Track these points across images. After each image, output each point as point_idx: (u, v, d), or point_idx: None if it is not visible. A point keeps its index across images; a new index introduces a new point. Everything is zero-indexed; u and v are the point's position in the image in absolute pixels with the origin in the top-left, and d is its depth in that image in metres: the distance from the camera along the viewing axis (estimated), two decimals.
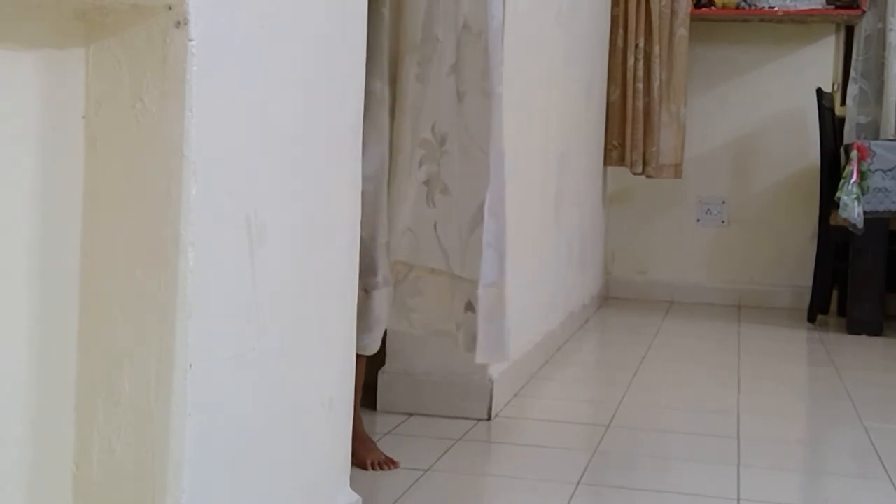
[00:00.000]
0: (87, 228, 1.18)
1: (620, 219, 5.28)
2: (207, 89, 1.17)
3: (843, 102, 5.08)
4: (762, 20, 5.08)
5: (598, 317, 4.67)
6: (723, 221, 5.23)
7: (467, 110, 2.12)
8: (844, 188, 4.22)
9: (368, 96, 2.02)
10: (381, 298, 2.11)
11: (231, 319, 1.27)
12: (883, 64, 4.95)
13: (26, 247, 1.13)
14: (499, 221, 2.13)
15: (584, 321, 4.38)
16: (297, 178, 1.45)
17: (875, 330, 4.35)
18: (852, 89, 5.02)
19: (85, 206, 1.18)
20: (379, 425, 2.57)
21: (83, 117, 1.18)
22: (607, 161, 4.91)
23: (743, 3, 5.02)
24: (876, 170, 4.26)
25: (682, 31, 4.86)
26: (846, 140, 4.88)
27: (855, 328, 4.37)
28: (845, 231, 4.30)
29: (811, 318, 4.65)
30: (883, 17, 4.95)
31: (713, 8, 5.05)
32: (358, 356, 1.94)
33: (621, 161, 4.90)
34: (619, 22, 4.84)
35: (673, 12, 4.85)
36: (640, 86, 4.83)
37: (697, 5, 5.01)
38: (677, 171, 4.94)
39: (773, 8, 4.98)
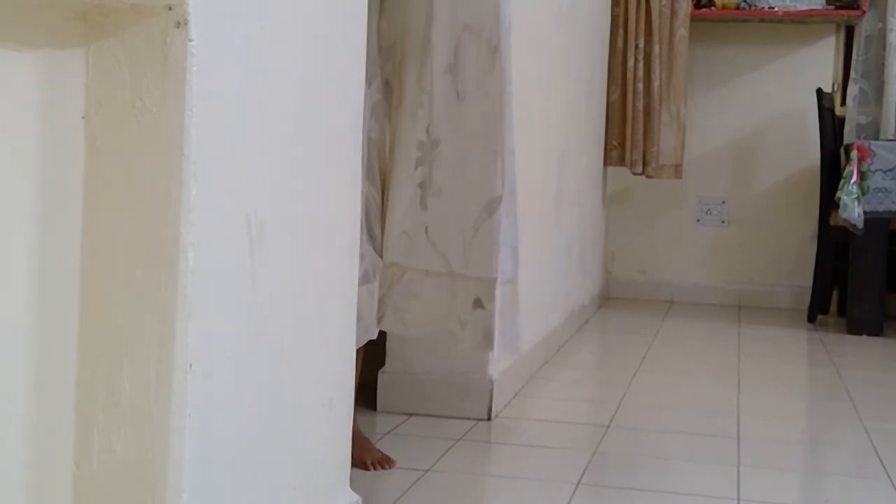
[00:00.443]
0: (87, 228, 1.18)
1: (620, 219, 5.28)
2: (207, 89, 1.17)
3: (843, 103, 5.09)
4: (762, 20, 5.08)
5: (598, 317, 4.67)
6: (723, 222, 5.23)
7: (468, 110, 2.13)
8: (844, 188, 4.23)
9: None
10: (362, 295, 2.10)
11: (231, 319, 1.27)
12: (883, 64, 4.95)
13: (26, 247, 1.13)
14: (511, 219, 2.15)
15: (584, 321, 4.38)
16: (297, 178, 1.45)
17: (875, 330, 4.35)
18: (852, 89, 5.02)
19: (85, 206, 1.18)
20: (379, 425, 2.57)
21: (83, 117, 1.18)
22: (607, 161, 4.91)
23: (743, 4, 5.02)
24: (876, 170, 4.26)
25: (682, 32, 4.86)
26: (846, 140, 4.88)
27: (855, 328, 4.37)
28: (845, 231, 4.30)
29: (811, 319, 4.65)
30: (883, 18, 4.95)
31: (713, 8, 5.05)
32: None
33: (621, 161, 4.90)
34: (619, 22, 4.84)
35: (673, 12, 4.85)
36: (640, 86, 4.83)
37: (697, 5, 5.01)
38: (677, 171, 4.95)
39: (773, 8, 4.98)
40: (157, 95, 1.15)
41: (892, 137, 4.82)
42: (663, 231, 5.26)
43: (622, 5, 4.82)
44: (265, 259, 1.33)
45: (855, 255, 4.38)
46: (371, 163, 2.14)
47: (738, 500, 2.14)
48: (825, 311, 4.74)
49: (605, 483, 2.26)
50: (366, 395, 2.60)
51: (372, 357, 2.33)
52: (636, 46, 4.83)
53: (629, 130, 4.84)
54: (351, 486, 1.73)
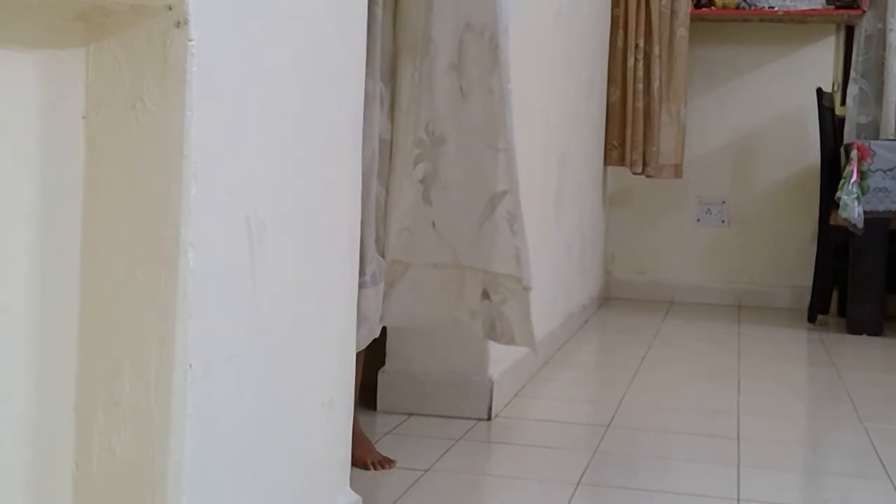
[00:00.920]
0: (87, 228, 1.18)
1: (620, 219, 5.28)
2: (207, 89, 1.17)
3: (843, 102, 5.08)
4: (762, 20, 5.08)
5: (598, 317, 4.67)
6: (723, 221, 5.23)
7: (472, 107, 2.15)
8: (844, 188, 4.23)
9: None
10: (369, 297, 2.11)
11: (231, 319, 1.27)
12: (883, 64, 4.95)
13: (26, 247, 1.13)
14: (518, 216, 2.18)
15: (583, 321, 4.38)
16: (297, 178, 1.45)
17: (875, 330, 4.35)
18: (852, 89, 5.02)
19: (85, 206, 1.18)
20: (379, 425, 2.57)
21: (83, 117, 1.18)
22: (607, 161, 4.91)
23: (743, 3, 5.02)
24: (876, 170, 4.26)
25: (682, 32, 4.86)
26: (846, 140, 4.88)
27: (855, 328, 4.37)
28: (845, 231, 4.30)
29: (811, 319, 4.65)
30: (883, 18, 4.95)
31: (713, 8, 5.05)
32: None
33: (621, 161, 4.90)
34: (619, 22, 4.84)
35: (673, 12, 4.85)
36: (640, 86, 4.83)
37: (697, 5, 5.01)
38: (677, 171, 4.95)
39: (773, 8, 4.98)
40: (157, 95, 1.15)
41: (892, 137, 4.82)
42: (663, 231, 5.26)
43: (622, 5, 4.82)
44: (265, 259, 1.33)
45: (855, 255, 4.38)
46: (383, 164, 2.15)
47: (738, 500, 2.13)
48: (825, 312, 4.74)
49: (605, 483, 2.26)
50: (366, 395, 2.60)
51: (372, 357, 2.33)
52: (636, 46, 4.83)
53: (629, 130, 4.84)
54: (351, 485, 1.73)
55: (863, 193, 4.23)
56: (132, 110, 1.16)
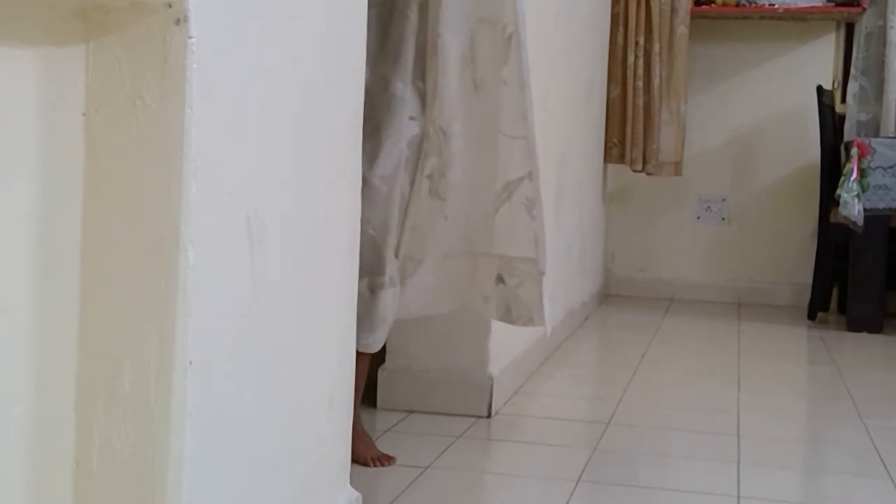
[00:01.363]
0: (87, 228, 1.17)
1: (620, 216, 5.28)
2: (207, 88, 1.17)
3: (844, 100, 5.08)
4: (762, 17, 5.07)
5: (598, 314, 4.67)
6: (723, 219, 5.23)
7: (485, 98, 2.19)
8: (845, 185, 4.22)
9: (390, 98, 2.08)
10: (387, 298, 2.12)
11: (231, 319, 1.27)
12: (883, 61, 4.95)
13: (26, 246, 1.13)
14: (537, 202, 2.23)
15: (583, 319, 4.38)
16: (297, 178, 1.44)
17: (875, 328, 4.35)
18: (852, 87, 5.02)
19: (85, 205, 1.18)
20: (379, 422, 2.57)
21: (83, 116, 1.17)
22: (607, 159, 4.91)
23: (743, 1, 5.02)
24: (876, 167, 4.26)
25: (682, 29, 4.85)
26: (846, 137, 4.88)
27: (855, 326, 4.37)
28: (845, 229, 4.29)
29: (811, 316, 4.65)
30: (883, 15, 4.95)
31: (713, 5, 5.05)
32: (360, 354, 1.96)
33: (621, 159, 4.90)
34: (619, 20, 4.83)
35: (673, 10, 4.84)
36: (641, 83, 4.83)
37: (697, 3, 5.01)
38: (677, 168, 4.94)
39: (774, 5, 4.98)
40: (157, 94, 1.14)
41: (892, 135, 4.82)
42: (663, 229, 5.26)
43: (622, 3, 4.82)
44: (265, 258, 1.33)
45: (855, 252, 4.38)
46: (409, 167, 2.17)
47: (738, 497, 2.14)
48: (825, 309, 4.74)
49: (606, 480, 2.26)
50: (366, 391, 2.60)
51: (372, 355, 2.33)
52: (636, 44, 4.82)
53: (629, 128, 4.84)
54: (351, 482, 1.74)
55: (863, 191, 4.23)
56: (132, 108, 1.16)
